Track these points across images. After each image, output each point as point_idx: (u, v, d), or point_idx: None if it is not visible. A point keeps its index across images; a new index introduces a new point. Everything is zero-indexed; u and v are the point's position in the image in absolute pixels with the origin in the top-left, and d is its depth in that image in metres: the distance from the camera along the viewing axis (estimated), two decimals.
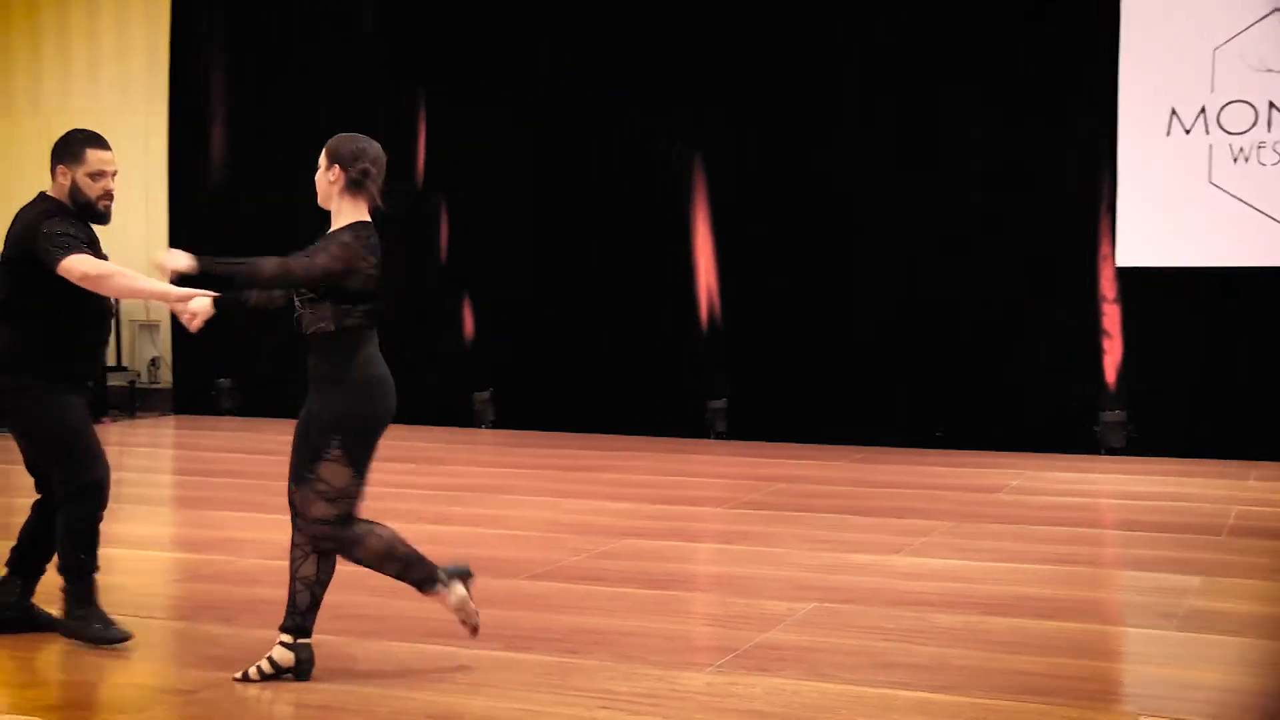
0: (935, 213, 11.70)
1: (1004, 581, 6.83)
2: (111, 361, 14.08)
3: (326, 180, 5.23)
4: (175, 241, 14.14)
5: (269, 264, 5.03)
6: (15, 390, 5.53)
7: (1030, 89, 11.41)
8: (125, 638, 5.58)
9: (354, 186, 5.20)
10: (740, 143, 12.28)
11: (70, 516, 5.54)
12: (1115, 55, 11.14)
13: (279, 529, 7.83)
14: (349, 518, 5.14)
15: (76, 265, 5.37)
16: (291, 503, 5.19)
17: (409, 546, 5.25)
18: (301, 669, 5.16)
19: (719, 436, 12.34)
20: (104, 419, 13.32)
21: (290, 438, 5.12)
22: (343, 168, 5.19)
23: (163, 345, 14.72)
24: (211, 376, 14.07)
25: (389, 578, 5.27)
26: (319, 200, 5.29)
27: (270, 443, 11.72)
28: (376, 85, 13.45)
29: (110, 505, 5.60)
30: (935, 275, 11.74)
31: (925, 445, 11.62)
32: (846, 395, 12.00)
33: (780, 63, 12.10)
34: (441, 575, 5.28)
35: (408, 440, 12.18)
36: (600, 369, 12.72)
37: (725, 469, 10.74)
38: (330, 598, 6.24)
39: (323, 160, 5.25)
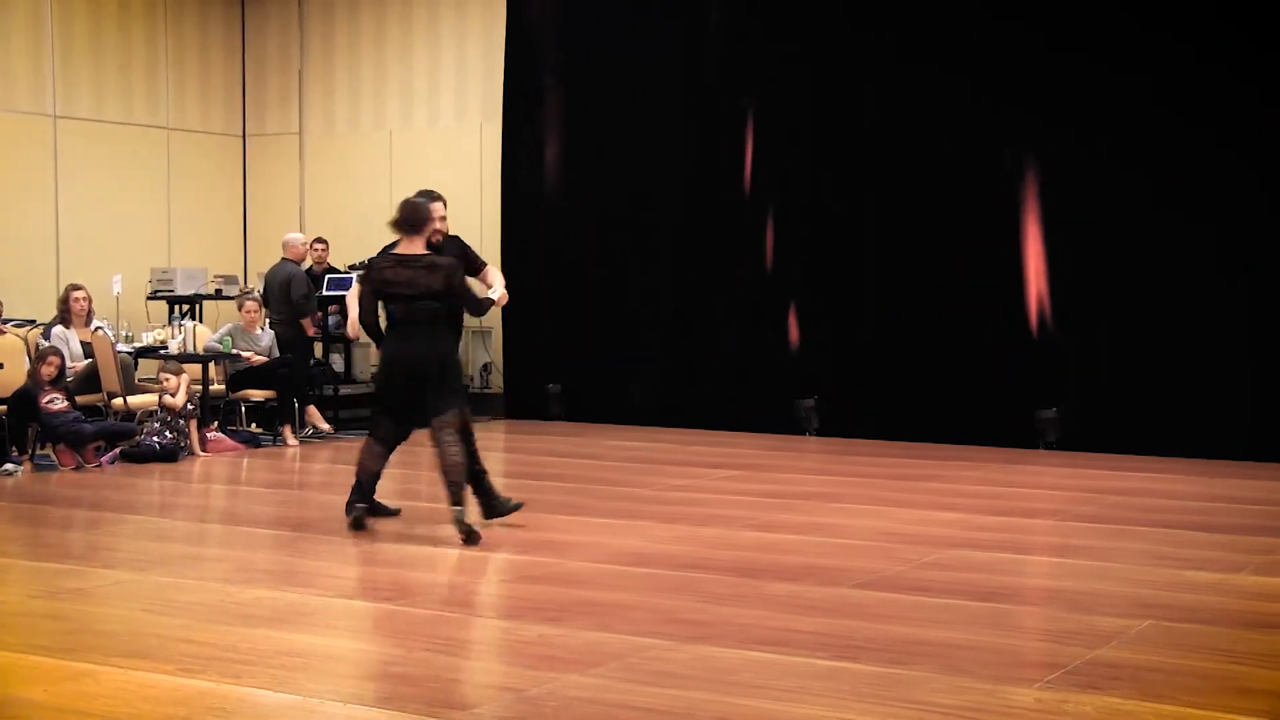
0: None
1: None
2: None
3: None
4: (507, 252, 14.52)
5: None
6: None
7: None
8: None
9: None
10: (1075, 147, 11.91)
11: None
12: None
13: (605, 532, 7.96)
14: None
15: None
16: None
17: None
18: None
19: (1049, 447, 11.97)
20: None
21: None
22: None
23: (495, 351, 15.16)
24: (541, 382, 14.40)
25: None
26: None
27: (598, 447, 11.96)
28: (705, 99, 13.56)
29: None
30: None
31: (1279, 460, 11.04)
32: (1187, 404, 11.49)
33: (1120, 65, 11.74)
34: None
35: (733, 446, 12.22)
36: (926, 376, 12.52)
37: (1057, 480, 10.42)
38: (657, 602, 6.27)
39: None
